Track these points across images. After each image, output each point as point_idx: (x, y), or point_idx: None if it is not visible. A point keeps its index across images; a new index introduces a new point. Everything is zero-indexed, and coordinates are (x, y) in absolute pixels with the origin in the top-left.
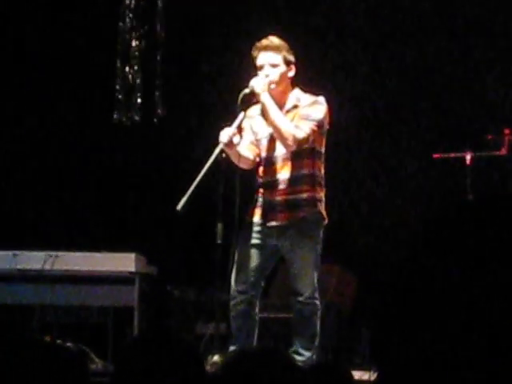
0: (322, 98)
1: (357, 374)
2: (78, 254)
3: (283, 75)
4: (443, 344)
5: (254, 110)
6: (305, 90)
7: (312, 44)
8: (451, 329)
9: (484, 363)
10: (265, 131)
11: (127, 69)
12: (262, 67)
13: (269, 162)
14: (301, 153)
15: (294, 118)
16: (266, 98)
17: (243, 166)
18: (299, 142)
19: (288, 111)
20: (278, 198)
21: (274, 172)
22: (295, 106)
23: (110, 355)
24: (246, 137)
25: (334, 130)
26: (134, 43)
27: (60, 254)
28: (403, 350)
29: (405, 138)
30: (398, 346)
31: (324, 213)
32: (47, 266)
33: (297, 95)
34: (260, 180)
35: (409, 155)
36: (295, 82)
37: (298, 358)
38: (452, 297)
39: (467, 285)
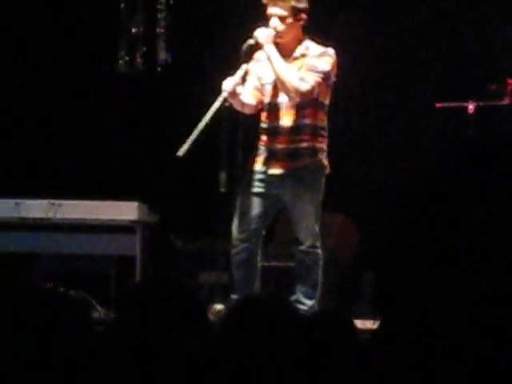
0: (331, 50)
1: (359, 323)
2: (80, 202)
3: (291, 26)
4: (445, 293)
5: (262, 54)
6: (316, 41)
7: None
8: (454, 278)
9: (487, 315)
10: (270, 77)
11: (128, 16)
12: (270, 17)
13: (272, 108)
14: (304, 103)
15: (301, 67)
16: (270, 49)
17: (246, 111)
18: (303, 95)
19: (296, 59)
20: (279, 146)
21: (277, 119)
22: (303, 55)
23: (113, 304)
24: (251, 81)
25: (339, 80)
26: None
27: (62, 202)
28: (405, 298)
29: (407, 88)
30: (400, 294)
31: (325, 162)
32: (50, 215)
33: (306, 44)
34: (262, 125)
35: (411, 105)
36: (306, 31)
37: (300, 306)
38: (455, 244)
39: (471, 229)
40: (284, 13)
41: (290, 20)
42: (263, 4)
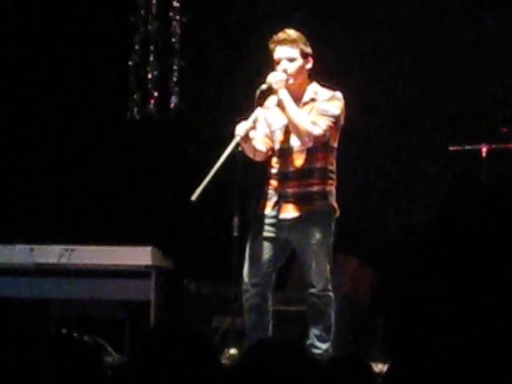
0: (339, 94)
1: (374, 367)
2: (94, 247)
3: (300, 68)
4: (455, 338)
5: (271, 101)
6: (322, 84)
7: (325, 35)
8: (465, 323)
9: (498, 361)
10: (279, 122)
11: (142, 62)
12: (279, 61)
13: (282, 154)
14: (315, 147)
15: (311, 112)
16: (284, 94)
17: (257, 158)
18: (316, 139)
19: (305, 103)
20: (290, 191)
21: (287, 164)
22: (313, 100)
23: (127, 349)
24: (261, 129)
25: (349, 122)
26: (150, 36)
27: (76, 247)
28: (415, 341)
29: (421, 131)
30: (410, 337)
31: (335, 205)
32: (64, 260)
33: (315, 88)
34: (272, 171)
35: (425, 148)
36: (312, 75)
37: (314, 350)
38: (467, 287)
39: (483, 274)
40: (294, 54)
41: (299, 62)
42: (270, 49)
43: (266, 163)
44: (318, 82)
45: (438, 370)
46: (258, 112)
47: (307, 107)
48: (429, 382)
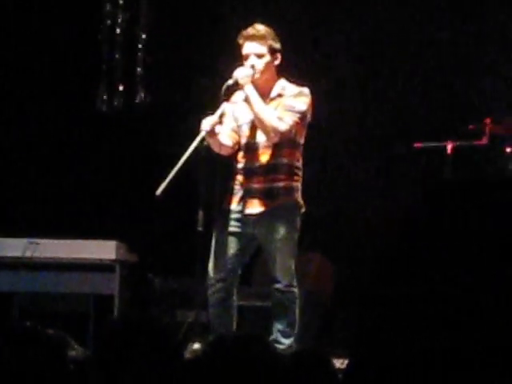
0: (306, 90)
1: (337, 362)
2: (58, 241)
3: (268, 64)
4: (415, 335)
5: (238, 96)
6: (290, 80)
7: (296, 31)
8: (426, 320)
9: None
10: (246, 117)
11: (110, 55)
12: (247, 56)
13: (248, 149)
14: (281, 142)
15: (278, 107)
16: (250, 90)
17: (223, 153)
18: (282, 134)
19: (272, 99)
20: (255, 186)
21: (253, 159)
22: (280, 95)
23: (91, 343)
24: (228, 123)
25: (316, 119)
26: (117, 29)
27: (41, 241)
28: (375, 339)
29: (386, 127)
30: (370, 335)
31: (301, 201)
32: (28, 254)
33: (282, 84)
34: (238, 166)
35: (390, 144)
36: (281, 71)
37: (277, 346)
38: (431, 286)
39: (448, 271)
40: (262, 50)
41: (267, 58)
42: (239, 44)
43: (233, 158)
44: (287, 78)
45: (396, 366)
46: (225, 107)
47: (274, 103)
48: (387, 379)
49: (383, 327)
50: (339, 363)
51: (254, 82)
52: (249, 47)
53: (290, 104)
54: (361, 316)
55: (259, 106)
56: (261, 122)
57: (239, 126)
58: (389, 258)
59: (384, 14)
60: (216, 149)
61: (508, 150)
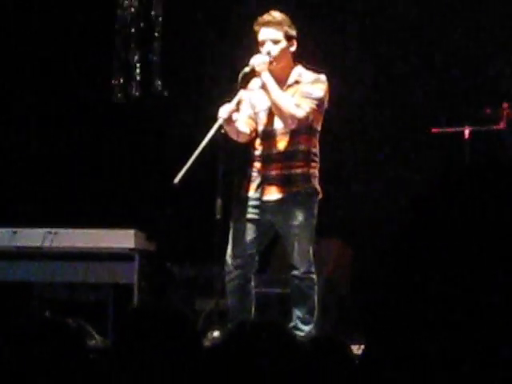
0: (323, 76)
1: (354, 349)
2: (77, 230)
3: (284, 51)
4: (430, 324)
5: (255, 83)
6: (307, 67)
7: (308, 20)
8: (441, 312)
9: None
10: (264, 104)
11: (125, 47)
12: (263, 43)
13: (266, 136)
14: (298, 129)
15: (295, 94)
16: (266, 77)
17: (241, 140)
18: (299, 121)
19: (290, 86)
20: (273, 173)
21: (271, 146)
22: (297, 82)
23: (110, 332)
24: (245, 110)
25: (333, 106)
26: (131, 20)
27: (59, 230)
28: (391, 325)
29: (403, 113)
30: (386, 321)
31: (318, 187)
32: (46, 243)
33: (299, 71)
34: (256, 153)
35: (408, 130)
36: (297, 58)
37: (297, 332)
38: (448, 276)
39: (465, 259)
40: (278, 36)
41: (283, 44)
42: (255, 31)
43: (250, 145)
44: (303, 65)
45: (412, 354)
46: (242, 94)
47: (291, 89)
48: (402, 367)
49: (398, 315)
50: (356, 349)
51: (270, 69)
52: (265, 33)
53: (307, 91)
54: (376, 303)
55: (276, 92)
56: (278, 108)
57: (256, 113)
58: (403, 246)
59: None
60: (233, 136)
61: None
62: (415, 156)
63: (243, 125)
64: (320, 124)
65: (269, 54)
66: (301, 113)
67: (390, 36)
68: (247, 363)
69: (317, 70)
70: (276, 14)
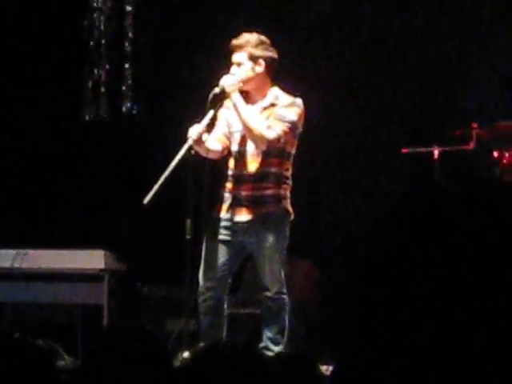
0: (299, 100)
1: (325, 369)
2: (47, 251)
3: (250, 72)
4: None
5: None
6: (285, 90)
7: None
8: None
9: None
10: (239, 124)
11: (95, 66)
12: (231, 66)
13: (238, 156)
14: (270, 151)
15: (270, 117)
16: (236, 98)
17: (211, 156)
18: (270, 143)
19: (265, 108)
20: (243, 194)
21: (243, 166)
22: (272, 105)
23: (80, 353)
24: (220, 127)
25: (307, 126)
26: (102, 40)
27: (29, 251)
28: (359, 345)
29: (373, 133)
30: (356, 341)
31: (290, 209)
32: (16, 264)
33: (275, 93)
34: (228, 172)
35: (377, 150)
36: (275, 79)
37: (267, 353)
38: (419, 290)
39: (437, 274)
40: (241, 59)
41: (247, 66)
42: (230, 52)
43: (223, 165)
44: (280, 87)
45: (380, 372)
46: (211, 115)
47: (266, 112)
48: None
49: (368, 330)
50: (325, 370)
51: (243, 91)
52: (232, 57)
53: (280, 113)
54: (346, 319)
55: (245, 113)
56: (248, 129)
57: (231, 133)
58: (373, 261)
59: (373, 22)
60: (203, 154)
61: (495, 154)
62: (385, 175)
63: (215, 142)
64: (294, 147)
65: (234, 75)
66: (271, 134)
67: (360, 53)
68: (216, 383)
69: (293, 94)
70: (242, 36)
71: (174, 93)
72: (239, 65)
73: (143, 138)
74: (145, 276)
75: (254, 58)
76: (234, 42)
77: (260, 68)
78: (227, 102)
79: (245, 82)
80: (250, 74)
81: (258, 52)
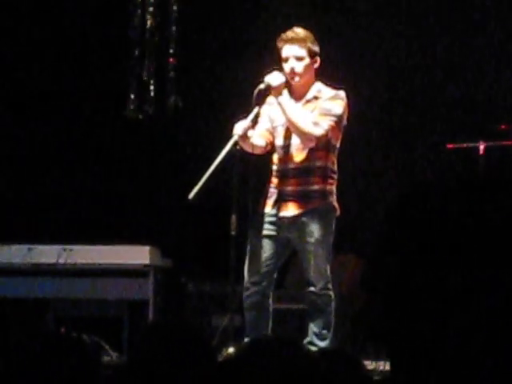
0: (342, 93)
1: (370, 364)
2: (92, 247)
3: (308, 67)
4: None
5: (273, 98)
6: (326, 84)
7: (325, 36)
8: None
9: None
10: (282, 119)
11: (140, 61)
12: (287, 59)
13: (283, 150)
14: (316, 145)
15: (314, 110)
16: (281, 99)
17: (256, 152)
18: (317, 139)
19: (308, 101)
20: (290, 189)
21: (288, 161)
22: (315, 98)
23: (125, 348)
24: (263, 123)
25: (351, 122)
26: (146, 35)
27: (74, 247)
28: (407, 341)
29: (419, 129)
30: (401, 337)
31: (336, 204)
32: (61, 260)
33: (318, 87)
34: (274, 167)
35: (423, 146)
36: (318, 75)
37: (312, 348)
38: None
39: (477, 268)
40: (301, 53)
41: (307, 61)
42: (277, 47)
43: (268, 160)
44: (322, 81)
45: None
46: (257, 111)
47: (310, 105)
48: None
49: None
50: (369, 365)
51: (290, 85)
52: (288, 50)
53: (325, 107)
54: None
55: (291, 110)
56: (295, 127)
57: (274, 127)
58: (411, 255)
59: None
60: (248, 150)
61: None
62: (431, 171)
63: (259, 138)
64: (339, 141)
65: (292, 70)
66: (319, 131)
67: (403, 50)
68: (260, 378)
69: (336, 87)
70: (299, 31)
71: (219, 87)
72: (299, 59)
73: (188, 133)
74: (190, 272)
75: (312, 54)
76: (293, 35)
77: (316, 64)
78: (269, 98)
79: (300, 76)
80: (308, 69)
81: (316, 48)
